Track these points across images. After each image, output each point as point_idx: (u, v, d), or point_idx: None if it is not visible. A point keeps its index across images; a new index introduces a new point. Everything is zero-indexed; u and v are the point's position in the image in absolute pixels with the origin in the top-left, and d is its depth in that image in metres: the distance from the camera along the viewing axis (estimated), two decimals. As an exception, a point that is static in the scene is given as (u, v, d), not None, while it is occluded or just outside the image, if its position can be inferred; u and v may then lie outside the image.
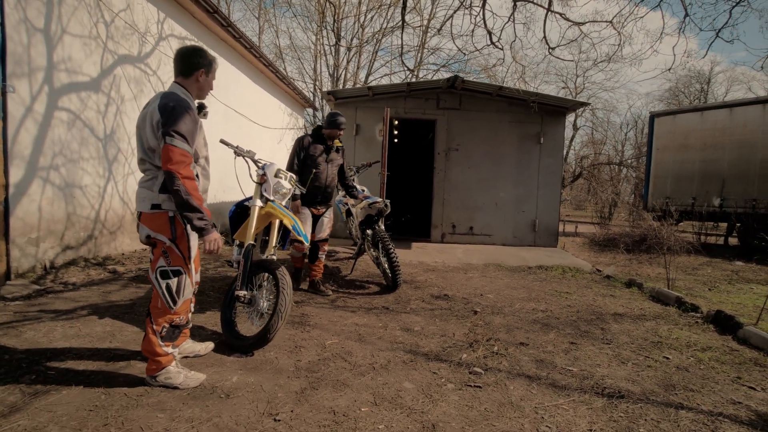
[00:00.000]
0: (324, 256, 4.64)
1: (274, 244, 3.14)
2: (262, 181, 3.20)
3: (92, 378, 2.28)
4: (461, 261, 6.36)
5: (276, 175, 3.22)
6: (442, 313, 3.88)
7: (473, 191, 7.51)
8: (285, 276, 2.83)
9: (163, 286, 2.11)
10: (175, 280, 2.13)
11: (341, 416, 2.06)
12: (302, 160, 4.29)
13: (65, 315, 3.25)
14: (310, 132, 4.43)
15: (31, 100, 4.12)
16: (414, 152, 11.16)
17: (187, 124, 2.04)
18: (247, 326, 2.93)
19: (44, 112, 4.26)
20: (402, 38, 5.34)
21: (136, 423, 1.90)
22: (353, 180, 5.45)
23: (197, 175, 2.19)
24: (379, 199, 4.62)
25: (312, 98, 16.01)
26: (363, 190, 5.25)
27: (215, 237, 2.14)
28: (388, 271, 4.59)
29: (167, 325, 2.16)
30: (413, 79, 14.42)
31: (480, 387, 2.45)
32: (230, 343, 2.80)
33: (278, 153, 11.23)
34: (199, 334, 3.05)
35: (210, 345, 2.76)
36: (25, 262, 4.12)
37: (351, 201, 5.02)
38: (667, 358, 2.99)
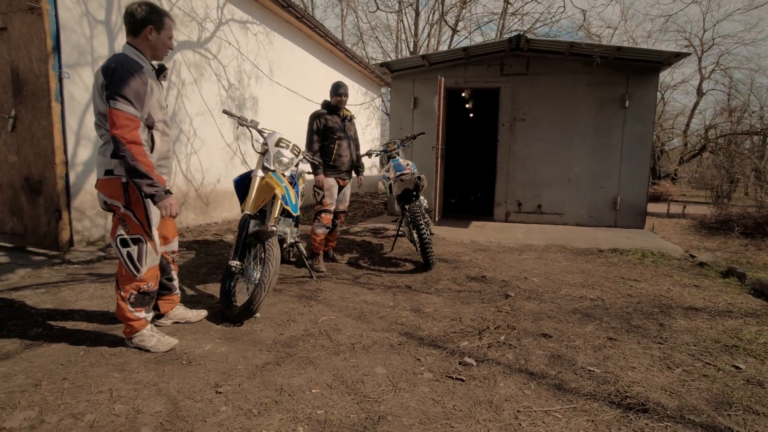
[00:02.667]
0: (340, 228, 4.65)
1: (276, 216, 3.07)
2: (263, 150, 3.14)
3: (83, 336, 2.44)
4: (519, 241, 5.75)
5: (277, 144, 3.13)
6: (469, 295, 3.50)
7: (541, 165, 6.72)
8: (273, 247, 2.74)
9: (124, 253, 2.13)
10: (135, 248, 2.14)
11: (286, 395, 1.91)
12: (323, 134, 4.22)
13: (104, 278, 3.58)
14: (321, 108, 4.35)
15: (94, 86, 4.57)
16: (478, 125, 10.46)
17: (133, 86, 1.99)
18: (244, 296, 2.93)
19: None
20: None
21: (91, 380, 1.96)
22: (397, 152, 5.21)
23: (152, 139, 2.16)
24: (407, 171, 4.32)
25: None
26: (407, 165, 4.98)
27: (170, 202, 2.10)
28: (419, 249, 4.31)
29: (135, 292, 2.20)
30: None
31: (462, 380, 2.11)
32: (223, 312, 2.82)
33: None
34: (206, 303, 3.13)
35: (203, 313, 2.79)
36: (96, 231, 4.66)
37: (392, 174, 4.77)
38: (738, 368, 2.30)
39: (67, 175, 4.05)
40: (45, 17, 3.78)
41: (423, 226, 4.12)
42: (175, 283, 2.62)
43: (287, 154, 3.14)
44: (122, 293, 2.19)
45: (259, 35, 7.50)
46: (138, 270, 2.16)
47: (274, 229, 3.02)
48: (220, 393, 1.91)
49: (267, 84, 7.73)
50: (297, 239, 3.86)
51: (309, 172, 4.38)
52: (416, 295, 3.50)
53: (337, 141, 4.25)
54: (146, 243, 2.17)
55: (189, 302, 3.07)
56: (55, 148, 3.86)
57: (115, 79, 1.96)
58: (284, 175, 3.15)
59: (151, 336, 2.29)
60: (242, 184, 3.23)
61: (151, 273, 2.24)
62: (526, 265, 4.57)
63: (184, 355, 2.26)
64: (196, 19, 5.97)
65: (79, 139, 4.42)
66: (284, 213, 3.50)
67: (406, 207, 4.52)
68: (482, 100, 9.91)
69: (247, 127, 3.16)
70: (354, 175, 4.65)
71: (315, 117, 4.26)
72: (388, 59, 15.54)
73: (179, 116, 5.80)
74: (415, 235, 4.31)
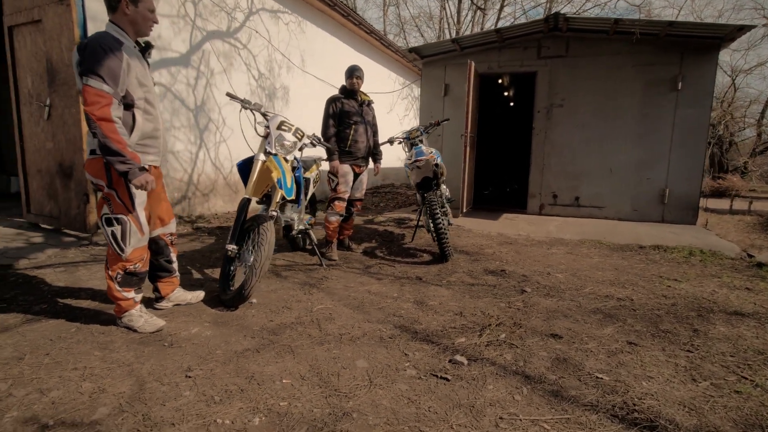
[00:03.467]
0: (355, 216, 4.51)
1: (277, 200, 3.01)
2: (265, 134, 3.08)
3: (82, 313, 2.50)
4: (550, 235, 5.39)
5: (279, 128, 3.06)
6: (481, 289, 3.28)
7: (580, 155, 6.24)
8: (266, 232, 2.67)
9: (109, 233, 2.14)
10: (119, 227, 2.13)
11: (254, 384, 1.83)
12: (339, 119, 4.11)
13: (123, 260, 3.70)
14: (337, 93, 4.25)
15: (124, 75, 4.73)
16: (514, 113, 9.96)
17: (105, 62, 1.96)
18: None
19: (137, 86, 4.87)
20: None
21: (72, 357, 1.99)
22: (420, 140, 5.02)
23: (134, 118, 2.13)
24: (423, 157, 4.12)
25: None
26: (430, 152, 4.78)
27: (144, 179, 2.06)
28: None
29: (121, 272, 2.21)
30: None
31: (448, 379, 1.93)
32: (219, 296, 2.80)
33: (388, 123, 11.13)
34: (209, 286, 3.14)
35: (201, 294, 2.79)
36: (125, 215, 4.86)
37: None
38: (780, 385, 1.95)
39: (94, 160, 4.22)
40: (73, 8, 3.93)
41: (439, 215, 3.92)
42: (175, 265, 2.63)
43: (289, 138, 3.06)
44: (110, 272, 2.20)
45: (290, 24, 7.51)
46: (122, 249, 2.16)
47: (274, 213, 2.96)
48: (190, 377, 1.86)
49: (299, 73, 7.74)
50: (307, 226, 3.80)
51: (325, 159, 4.30)
52: (425, 287, 3.33)
53: (353, 126, 4.13)
54: (130, 223, 2.16)
55: (195, 285, 3.09)
56: (83, 134, 4.03)
57: (87, 55, 1.95)
58: (286, 160, 3.07)
59: (139, 316, 2.30)
60: (246, 168, 3.20)
61: (138, 253, 2.23)
62: (552, 260, 4.25)
63: (168, 337, 2.25)
64: (225, 9, 6.05)
65: (109, 126, 4.60)
66: (293, 200, 3.45)
67: (425, 196, 4.34)
68: (520, 86, 9.42)
69: (251, 110, 3.11)
70: (372, 162, 4.52)
71: (331, 101, 4.16)
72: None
73: (208, 105, 5.92)
74: (431, 225, 4.12)
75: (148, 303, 2.65)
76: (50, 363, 1.92)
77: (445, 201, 4.66)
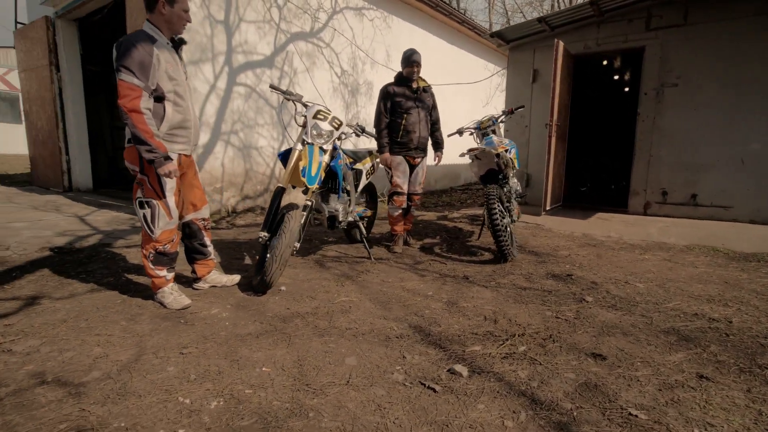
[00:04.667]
0: (415, 211, 4.29)
1: (313, 190, 3.01)
2: (303, 124, 3.10)
3: (134, 288, 2.80)
4: (650, 238, 4.53)
5: (315, 117, 3.06)
6: (532, 294, 2.88)
7: (699, 142, 5.14)
8: (290, 219, 2.69)
9: (140, 215, 2.35)
10: (149, 210, 2.33)
11: (234, 368, 1.83)
12: (391, 108, 3.97)
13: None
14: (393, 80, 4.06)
15: (214, 79, 5.26)
16: (620, 100, 8.62)
17: (136, 57, 2.13)
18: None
19: (225, 87, 5.37)
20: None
21: (102, 324, 2.22)
22: (492, 129, 4.64)
23: (164, 109, 2.29)
24: (485, 148, 3.76)
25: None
26: (501, 143, 4.41)
27: (168, 168, 2.21)
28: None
29: (153, 251, 2.41)
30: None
31: (435, 390, 1.71)
32: (252, 281, 2.90)
33: (481, 115, 10.62)
34: (251, 271, 3.29)
35: (236, 278, 2.93)
36: (213, 205, 5.40)
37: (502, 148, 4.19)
38: None
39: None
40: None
41: (496, 211, 3.55)
42: (210, 249, 2.80)
43: (325, 127, 3.05)
44: (144, 252, 2.42)
45: (375, 20, 7.58)
46: (152, 231, 2.36)
47: (308, 203, 2.97)
48: (183, 354, 1.94)
49: (383, 68, 7.78)
50: (357, 219, 3.76)
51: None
52: (467, 287, 3.04)
53: (405, 115, 3.94)
54: (159, 207, 2.34)
55: (238, 270, 3.27)
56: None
57: (120, 51, 2.14)
58: (323, 150, 3.06)
59: (170, 294, 2.49)
60: (287, 158, 3.27)
61: (166, 235, 2.42)
62: (639, 268, 3.57)
63: (189, 315, 2.39)
64: (308, 12, 6.33)
65: (200, 125, 5.14)
66: (330, 189, 3.44)
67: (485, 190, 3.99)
68: (626, 67, 8.15)
69: (293, 101, 3.17)
70: (434, 151, 4.29)
71: (383, 91, 4.04)
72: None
73: (290, 103, 6.24)
74: (488, 222, 3.76)
75: (188, 283, 2.87)
76: (84, 327, 2.17)
77: (513, 196, 4.23)
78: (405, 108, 3.91)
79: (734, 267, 3.59)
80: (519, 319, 2.44)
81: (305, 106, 3.16)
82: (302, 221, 2.94)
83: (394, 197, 4.08)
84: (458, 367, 1.85)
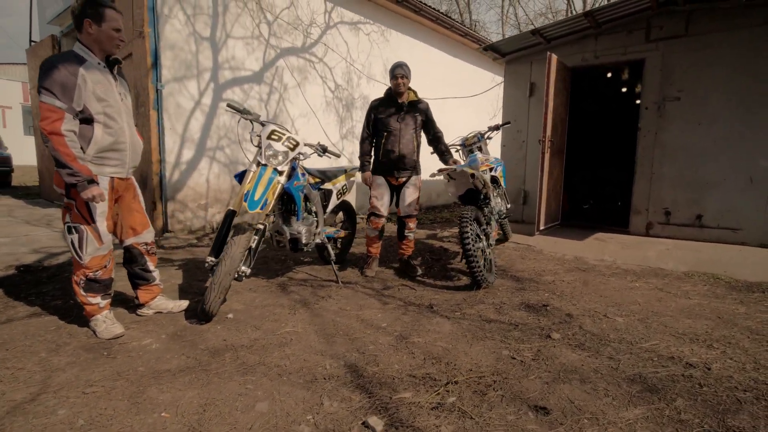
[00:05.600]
0: (413, 234, 3.97)
1: (267, 212, 2.88)
2: (258, 144, 2.99)
3: (78, 313, 2.70)
4: (646, 263, 4.22)
5: (269, 137, 2.94)
6: (497, 329, 2.66)
7: (704, 159, 4.80)
8: (232, 246, 2.56)
9: (68, 240, 2.25)
10: (77, 236, 2.23)
11: (132, 412, 1.68)
12: (374, 125, 3.81)
13: (169, 263, 4.00)
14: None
15: (199, 95, 5.24)
16: (622, 114, 8.29)
17: (57, 78, 2.05)
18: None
19: (210, 103, 5.35)
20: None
21: (22, 355, 2.12)
22: (479, 146, 4.46)
23: (92, 131, 2.20)
24: (456, 167, 3.57)
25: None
26: (486, 160, 4.21)
27: (91, 192, 2.11)
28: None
29: (83, 278, 2.31)
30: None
31: (338, 448, 1.52)
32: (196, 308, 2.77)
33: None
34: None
35: (183, 304, 2.81)
36: (197, 222, 5.36)
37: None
38: None
39: (161, 172, 4.74)
40: (146, 40, 4.47)
41: (468, 234, 3.34)
42: (154, 274, 2.69)
43: (279, 148, 2.92)
44: (75, 278, 2.33)
45: (372, 34, 7.52)
46: (80, 257, 2.26)
47: (260, 227, 2.84)
48: (85, 393, 1.81)
49: (381, 81, 7.68)
50: (323, 240, 3.61)
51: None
52: (428, 318, 2.84)
53: (386, 134, 3.77)
54: (87, 232, 2.25)
55: (198, 293, 3.16)
56: (152, 149, 4.55)
57: (42, 72, 2.07)
58: (280, 171, 2.93)
59: (102, 322, 2.38)
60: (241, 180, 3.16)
61: (97, 261, 2.31)
62: (626, 298, 3.29)
63: (117, 346, 2.27)
64: (299, 28, 6.30)
65: (184, 141, 5.13)
66: (308, 210, 3.32)
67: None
68: (628, 80, 7.82)
69: (251, 120, 3.07)
70: (444, 164, 3.95)
71: (369, 106, 3.89)
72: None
73: (281, 118, 6.21)
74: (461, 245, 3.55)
75: (133, 309, 2.76)
76: (2, 359, 2.08)
77: (494, 218, 4.01)
78: (387, 126, 3.73)
79: (733, 298, 3.27)
80: (469, 359, 2.23)
81: (262, 125, 3.05)
82: (254, 245, 2.81)
83: (371, 218, 3.91)
84: (373, 421, 1.66)
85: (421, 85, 8.18)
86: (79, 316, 2.63)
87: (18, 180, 11.82)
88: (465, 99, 9.29)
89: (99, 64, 2.27)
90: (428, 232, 6.06)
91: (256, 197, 2.69)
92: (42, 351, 2.18)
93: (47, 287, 3.18)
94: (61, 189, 2.23)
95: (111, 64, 2.34)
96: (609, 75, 7.34)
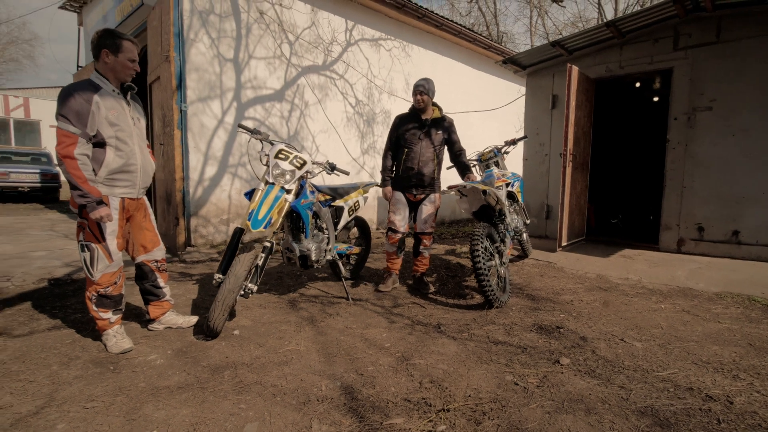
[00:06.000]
0: (428, 252, 3.91)
1: (274, 229, 2.93)
2: (266, 163, 3.05)
3: (94, 327, 2.82)
4: (674, 282, 3.98)
5: (276, 156, 3.00)
6: (504, 351, 2.57)
7: (740, 172, 4.52)
8: (236, 264, 2.61)
9: (81, 258, 2.36)
10: (88, 254, 2.34)
11: (126, 429, 1.72)
12: (396, 141, 3.83)
13: (187, 277, 4.13)
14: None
15: (222, 114, 5.44)
16: (645, 124, 7.94)
17: (72, 105, 2.18)
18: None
19: (233, 122, 5.54)
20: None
21: (36, 368, 2.22)
22: (495, 161, 4.40)
23: (104, 154, 2.31)
24: (466, 184, 3.51)
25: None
26: (502, 176, 4.15)
27: (100, 213, 2.21)
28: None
29: (95, 294, 2.41)
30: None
31: (319, 475, 1.49)
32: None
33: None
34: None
35: (193, 319, 2.88)
36: (218, 236, 5.51)
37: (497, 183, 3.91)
38: None
39: (184, 188, 4.92)
40: (172, 63, 4.70)
41: (479, 252, 3.26)
42: (165, 290, 2.78)
43: (286, 167, 2.97)
44: (87, 294, 2.43)
45: (393, 50, 7.60)
46: (91, 274, 2.36)
47: (268, 244, 2.88)
48: (86, 408, 1.87)
49: (402, 96, 7.73)
50: (335, 256, 3.62)
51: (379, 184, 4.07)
52: (434, 339, 2.78)
53: (406, 150, 3.75)
54: (98, 250, 2.35)
55: (209, 309, 3.22)
56: (176, 166, 4.74)
57: (59, 100, 2.21)
58: (287, 189, 2.97)
59: (113, 336, 2.47)
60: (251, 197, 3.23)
61: (107, 278, 2.41)
62: (648, 320, 3.11)
63: (124, 361, 2.35)
64: (320, 47, 6.45)
65: (207, 159, 5.32)
66: (317, 227, 3.36)
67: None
68: (656, 90, 7.49)
69: (260, 140, 3.14)
70: (462, 179, 3.86)
71: (393, 122, 3.90)
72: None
73: (301, 134, 6.34)
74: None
75: (145, 324, 2.85)
76: (14, 371, 2.18)
77: (509, 235, 3.92)
78: (408, 142, 3.73)
79: (767, 324, 3.02)
80: (468, 384, 2.15)
81: (271, 144, 3.12)
82: (261, 263, 2.85)
83: (388, 233, 3.90)
84: (359, 447, 1.62)
85: (444, 99, 8.18)
86: (93, 330, 2.73)
87: (65, 195, 12.58)
88: (490, 111, 9.19)
89: (113, 90, 2.39)
90: (447, 247, 5.97)
91: (260, 216, 2.73)
92: (54, 364, 2.28)
93: (71, 300, 3.33)
94: (75, 209, 2.35)
95: (125, 90, 2.46)
96: (637, 85, 7.07)
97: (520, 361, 2.44)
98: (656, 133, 7.05)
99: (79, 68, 8.88)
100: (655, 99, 7.60)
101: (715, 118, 4.65)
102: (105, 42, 2.32)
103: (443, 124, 3.80)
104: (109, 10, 6.98)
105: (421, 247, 3.90)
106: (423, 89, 3.64)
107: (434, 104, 3.80)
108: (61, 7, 8.41)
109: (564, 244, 5.17)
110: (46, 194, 11.33)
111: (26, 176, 10.85)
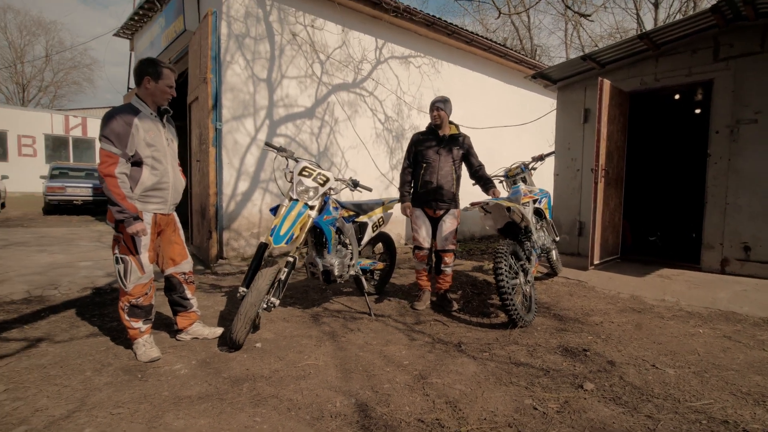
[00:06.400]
0: (450, 269, 3.88)
1: (298, 244, 3.00)
2: (291, 180, 3.15)
3: (124, 334, 2.97)
4: (715, 306, 3.74)
5: (300, 174, 3.09)
6: (525, 373, 2.50)
7: (790, 189, 4.23)
8: (259, 278, 2.69)
9: (116, 269, 2.51)
10: (122, 266, 2.48)
11: (147, 428, 1.81)
12: (414, 157, 3.87)
13: (216, 289, 4.28)
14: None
15: (255, 131, 5.66)
16: (685, 138, 7.54)
17: (114, 127, 2.35)
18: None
19: (265, 138, 5.74)
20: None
21: (71, 373, 2.36)
22: (522, 177, 4.35)
23: (141, 173, 2.47)
24: (489, 200, 3.47)
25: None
26: (530, 192, 4.10)
27: (136, 228, 2.35)
28: None
29: (127, 304, 2.54)
30: None
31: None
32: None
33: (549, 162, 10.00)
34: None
35: (218, 331, 2.97)
36: (249, 250, 5.68)
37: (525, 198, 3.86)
38: None
39: (217, 203, 5.12)
40: (209, 85, 4.96)
41: (502, 270, 3.21)
42: (192, 301, 2.89)
43: (309, 183, 3.06)
44: (120, 304, 2.57)
45: (423, 67, 7.67)
46: (125, 285, 2.51)
47: (290, 259, 2.96)
48: (112, 414, 1.97)
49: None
50: (358, 272, 3.65)
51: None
52: (453, 358, 2.74)
53: (425, 165, 3.78)
54: (131, 263, 2.49)
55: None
56: (210, 182, 4.95)
57: (103, 122, 2.39)
58: (311, 205, 3.06)
59: (142, 345, 2.59)
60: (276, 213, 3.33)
61: (139, 289, 2.54)
62: (684, 346, 2.94)
63: (151, 370, 2.46)
64: (350, 65, 6.61)
65: (240, 174, 5.53)
66: (340, 242, 3.41)
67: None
68: (695, 103, 7.12)
69: (286, 157, 3.26)
70: (485, 193, 3.85)
71: (411, 140, 3.96)
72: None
73: (331, 150, 6.49)
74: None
75: (174, 334, 2.98)
76: (52, 375, 2.33)
77: (535, 252, 3.83)
78: (426, 157, 3.77)
79: (821, 354, 2.79)
80: (484, 406, 2.11)
81: (296, 161, 3.22)
82: (283, 277, 2.92)
83: (415, 251, 3.91)
84: (367, 467, 1.62)
85: (476, 114, 8.17)
86: (126, 339, 2.88)
87: (112, 207, 13.35)
88: (523, 126, 9.07)
89: (151, 114, 2.56)
90: (475, 263, 5.89)
91: (282, 231, 2.82)
92: (88, 370, 2.42)
93: (109, 309, 3.53)
94: (112, 223, 2.51)
95: (161, 113, 2.63)
96: (677, 97, 6.79)
97: (541, 384, 2.37)
98: (696, 147, 6.71)
99: (129, 89, 9.52)
100: (697, 111, 7.25)
101: (761, 130, 4.39)
102: (147, 69, 2.50)
103: (460, 140, 3.83)
104: (156, 36, 7.47)
105: (443, 265, 3.87)
106: (440, 105, 3.69)
107: (451, 122, 3.83)
108: (115, 35, 9.08)
109: (596, 262, 4.98)
110: (97, 207, 12.07)
111: (80, 190, 11.61)
